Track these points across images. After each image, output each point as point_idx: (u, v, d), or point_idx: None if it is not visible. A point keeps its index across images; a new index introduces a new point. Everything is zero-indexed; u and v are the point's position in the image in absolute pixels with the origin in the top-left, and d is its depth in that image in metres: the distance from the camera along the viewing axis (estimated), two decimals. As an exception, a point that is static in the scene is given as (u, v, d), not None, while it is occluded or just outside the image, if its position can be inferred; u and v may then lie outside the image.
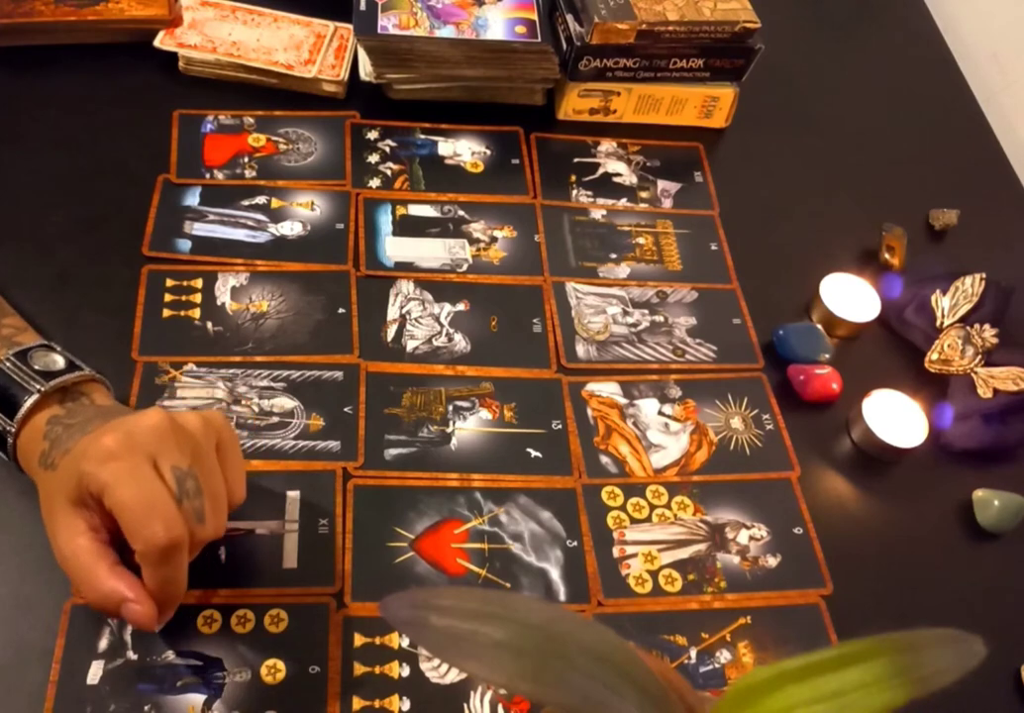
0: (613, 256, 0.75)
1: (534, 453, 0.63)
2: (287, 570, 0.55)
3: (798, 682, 0.29)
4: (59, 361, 0.52)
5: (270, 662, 0.51)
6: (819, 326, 0.72)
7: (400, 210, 0.74)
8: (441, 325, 0.68)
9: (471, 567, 0.57)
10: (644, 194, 0.80)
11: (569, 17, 0.78)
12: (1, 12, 0.75)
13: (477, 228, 0.74)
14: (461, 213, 0.75)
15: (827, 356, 0.70)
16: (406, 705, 0.51)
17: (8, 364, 0.51)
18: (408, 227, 0.73)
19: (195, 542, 0.45)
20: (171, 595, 0.45)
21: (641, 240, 0.76)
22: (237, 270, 0.68)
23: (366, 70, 0.78)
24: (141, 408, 0.59)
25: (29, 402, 0.49)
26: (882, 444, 0.65)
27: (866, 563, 0.61)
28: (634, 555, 0.59)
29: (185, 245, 0.69)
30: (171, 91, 0.78)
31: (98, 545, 0.45)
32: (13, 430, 0.50)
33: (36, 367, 0.51)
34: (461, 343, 0.67)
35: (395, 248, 0.72)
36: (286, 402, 0.62)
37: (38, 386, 0.50)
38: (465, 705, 0.52)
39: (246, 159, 0.75)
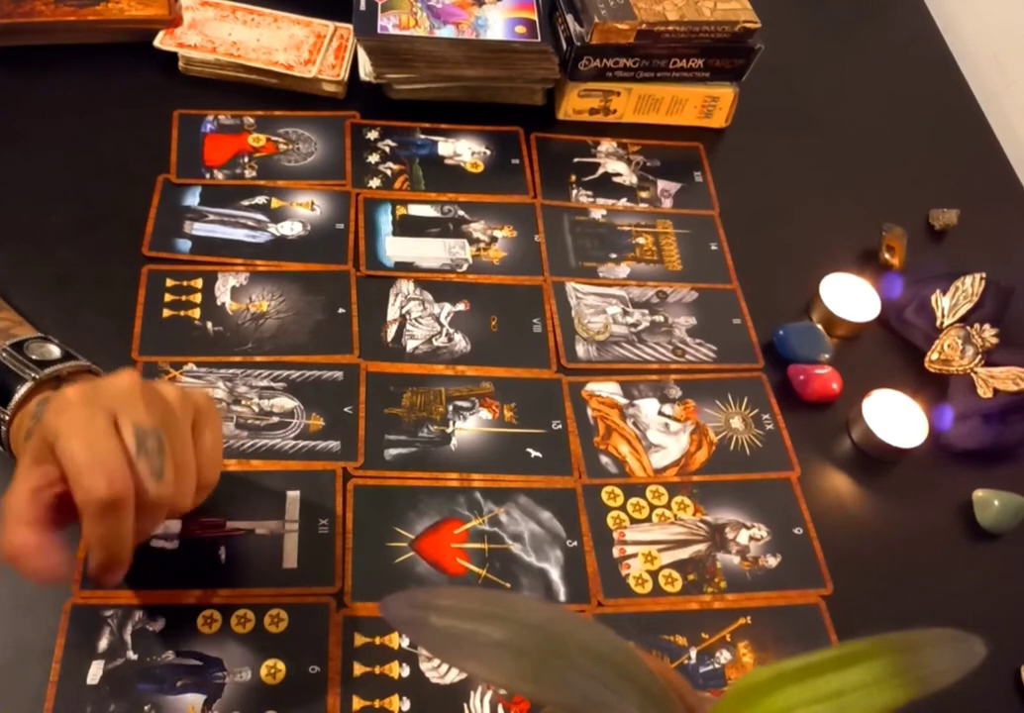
0: (613, 256, 0.75)
1: (534, 453, 0.63)
2: (287, 570, 0.55)
3: (798, 682, 0.29)
4: (55, 351, 0.52)
5: (270, 662, 0.51)
6: (819, 326, 0.72)
7: (400, 210, 0.74)
8: (441, 325, 0.68)
9: (471, 567, 0.57)
10: (644, 194, 0.80)
11: (569, 17, 0.78)
12: (1, 12, 0.75)
13: (477, 228, 0.74)
14: (461, 213, 0.75)
15: (827, 356, 0.70)
16: (406, 705, 0.51)
17: (4, 354, 0.51)
18: (408, 227, 0.73)
19: (150, 503, 0.42)
20: (113, 555, 0.43)
21: (641, 240, 0.76)
22: (237, 270, 0.68)
23: (366, 70, 0.78)
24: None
25: (23, 389, 0.49)
26: (882, 444, 0.65)
27: (866, 563, 0.61)
28: (634, 555, 0.59)
29: (185, 245, 0.69)
30: (171, 91, 0.78)
31: (35, 501, 0.42)
32: (7, 417, 0.50)
33: (32, 357, 0.51)
34: (461, 343, 0.67)
35: (395, 248, 0.72)
36: (286, 402, 0.62)
37: (33, 374, 0.50)
38: (465, 705, 0.52)
39: (246, 159, 0.75)
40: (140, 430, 0.42)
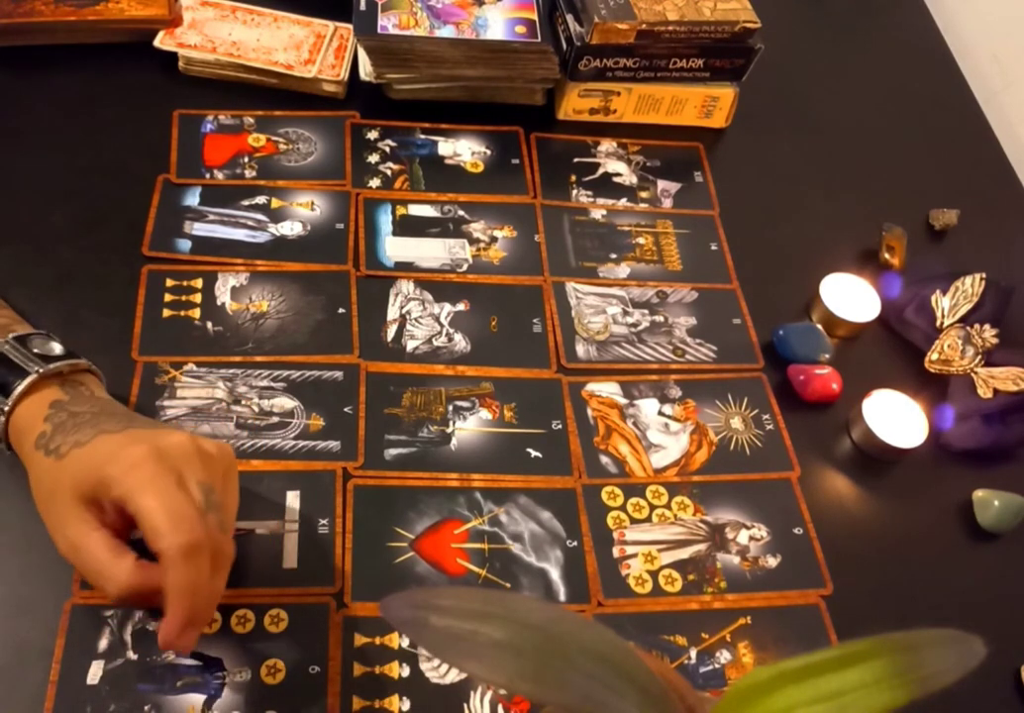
0: (613, 256, 0.75)
1: (534, 453, 0.63)
2: (287, 570, 0.55)
3: (798, 682, 0.29)
4: (56, 348, 0.53)
5: (270, 662, 0.51)
6: (819, 326, 0.72)
7: (400, 210, 0.74)
8: (441, 325, 0.68)
9: (471, 567, 0.57)
10: (644, 194, 0.80)
11: (569, 17, 0.78)
12: (1, 12, 0.75)
13: (477, 228, 0.74)
14: (461, 213, 0.75)
15: (827, 356, 0.70)
16: (406, 705, 0.51)
17: (7, 346, 0.51)
18: (408, 227, 0.73)
19: (222, 556, 0.45)
20: (198, 606, 0.44)
21: (641, 240, 0.76)
22: (237, 270, 0.68)
23: (366, 70, 0.78)
24: (139, 406, 0.60)
25: (26, 382, 0.49)
26: (882, 444, 0.65)
27: (866, 563, 0.61)
28: (634, 555, 0.59)
29: (185, 245, 0.69)
30: (171, 91, 0.78)
31: (115, 541, 0.45)
32: (6, 408, 0.50)
33: (35, 351, 0.51)
34: (461, 343, 0.67)
35: (395, 248, 0.72)
36: (286, 402, 0.62)
37: (37, 367, 0.50)
38: (465, 705, 0.52)
39: (246, 159, 0.75)
40: (205, 486, 0.46)
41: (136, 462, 0.44)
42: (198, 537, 0.43)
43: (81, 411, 0.49)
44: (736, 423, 0.66)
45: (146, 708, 0.49)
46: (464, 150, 0.79)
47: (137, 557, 0.45)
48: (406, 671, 0.52)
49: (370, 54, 0.77)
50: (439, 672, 0.53)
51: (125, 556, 0.45)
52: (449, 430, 0.63)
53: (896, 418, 0.66)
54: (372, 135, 0.79)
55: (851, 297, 0.73)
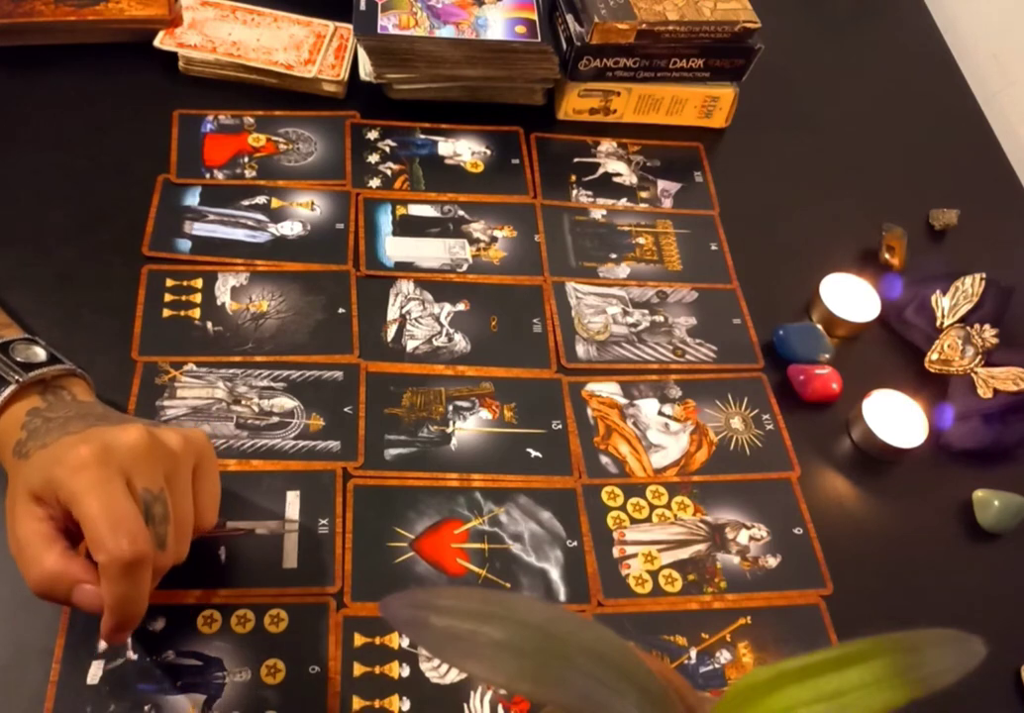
0: (613, 256, 0.75)
1: (534, 453, 0.63)
2: (287, 570, 0.55)
3: (798, 682, 0.29)
4: (40, 354, 0.52)
5: (270, 662, 0.51)
6: (819, 326, 0.72)
7: (400, 210, 0.74)
8: (441, 325, 0.68)
9: (471, 567, 0.57)
10: (644, 194, 0.80)
11: (569, 17, 0.78)
12: (1, 12, 0.75)
13: (477, 228, 0.74)
14: (461, 213, 0.75)
15: (827, 356, 0.70)
16: (406, 705, 0.51)
17: None
18: (408, 227, 0.73)
19: (154, 568, 0.44)
20: (129, 614, 0.44)
21: (641, 240, 0.76)
22: (237, 270, 0.68)
23: (366, 70, 0.78)
24: (139, 406, 0.60)
25: (7, 392, 0.49)
26: (882, 444, 0.65)
27: (866, 563, 0.61)
28: (634, 555, 0.59)
29: (185, 245, 0.69)
30: (171, 91, 0.78)
31: (53, 531, 0.44)
32: None
33: (18, 359, 0.51)
34: (461, 343, 0.67)
35: (395, 248, 0.72)
36: (286, 402, 0.62)
37: (17, 377, 0.49)
38: (465, 705, 0.52)
39: (246, 159, 0.75)
40: (148, 496, 0.44)
41: (83, 463, 0.43)
42: (139, 551, 0.42)
43: (56, 416, 0.48)
44: (736, 423, 0.66)
45: (146, 708, 0.49)
46: (464, 150, 0.79)
47: (66, 547, 0.44)
48: (406, 671, 0.52)
49: (370, 54, 0.77)
50: (439, 672, 0.53)
51: (54, 545, 0.43)
52: (449, 430, 0.63)
53: (896, 418, 0.66)
54: (372, 135, 0.79)
55: (851, 297, 0.73)
